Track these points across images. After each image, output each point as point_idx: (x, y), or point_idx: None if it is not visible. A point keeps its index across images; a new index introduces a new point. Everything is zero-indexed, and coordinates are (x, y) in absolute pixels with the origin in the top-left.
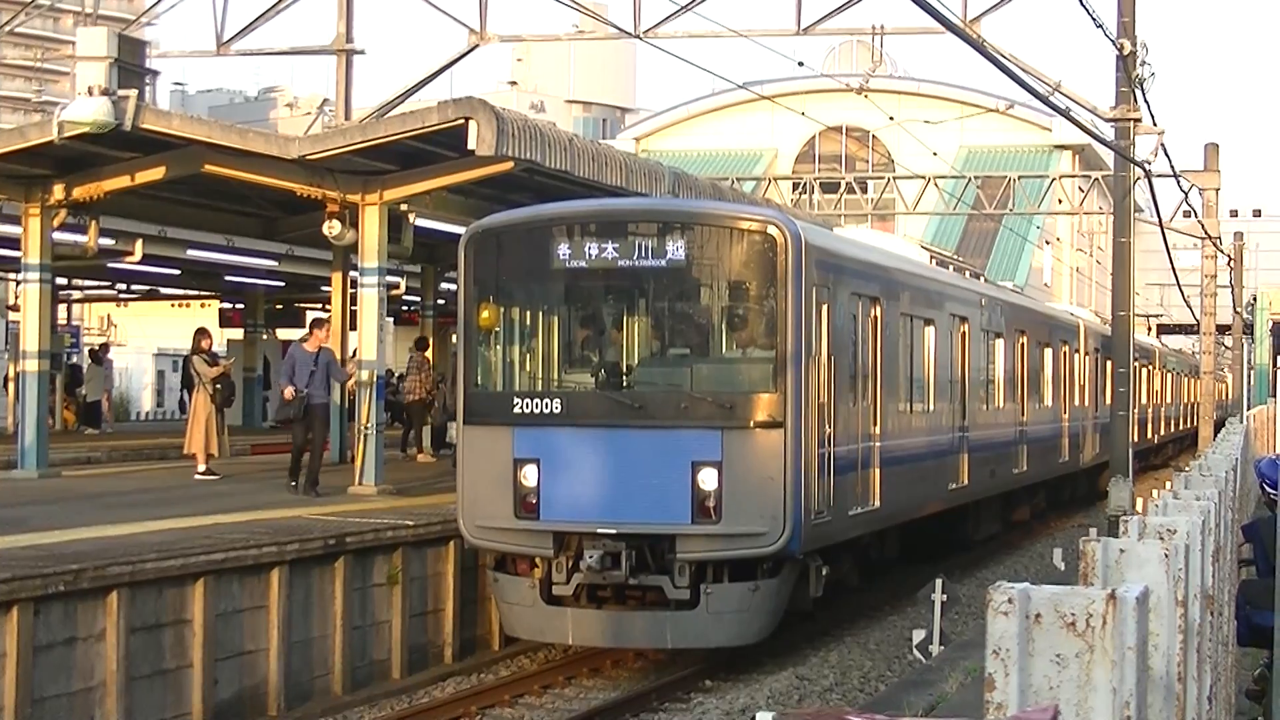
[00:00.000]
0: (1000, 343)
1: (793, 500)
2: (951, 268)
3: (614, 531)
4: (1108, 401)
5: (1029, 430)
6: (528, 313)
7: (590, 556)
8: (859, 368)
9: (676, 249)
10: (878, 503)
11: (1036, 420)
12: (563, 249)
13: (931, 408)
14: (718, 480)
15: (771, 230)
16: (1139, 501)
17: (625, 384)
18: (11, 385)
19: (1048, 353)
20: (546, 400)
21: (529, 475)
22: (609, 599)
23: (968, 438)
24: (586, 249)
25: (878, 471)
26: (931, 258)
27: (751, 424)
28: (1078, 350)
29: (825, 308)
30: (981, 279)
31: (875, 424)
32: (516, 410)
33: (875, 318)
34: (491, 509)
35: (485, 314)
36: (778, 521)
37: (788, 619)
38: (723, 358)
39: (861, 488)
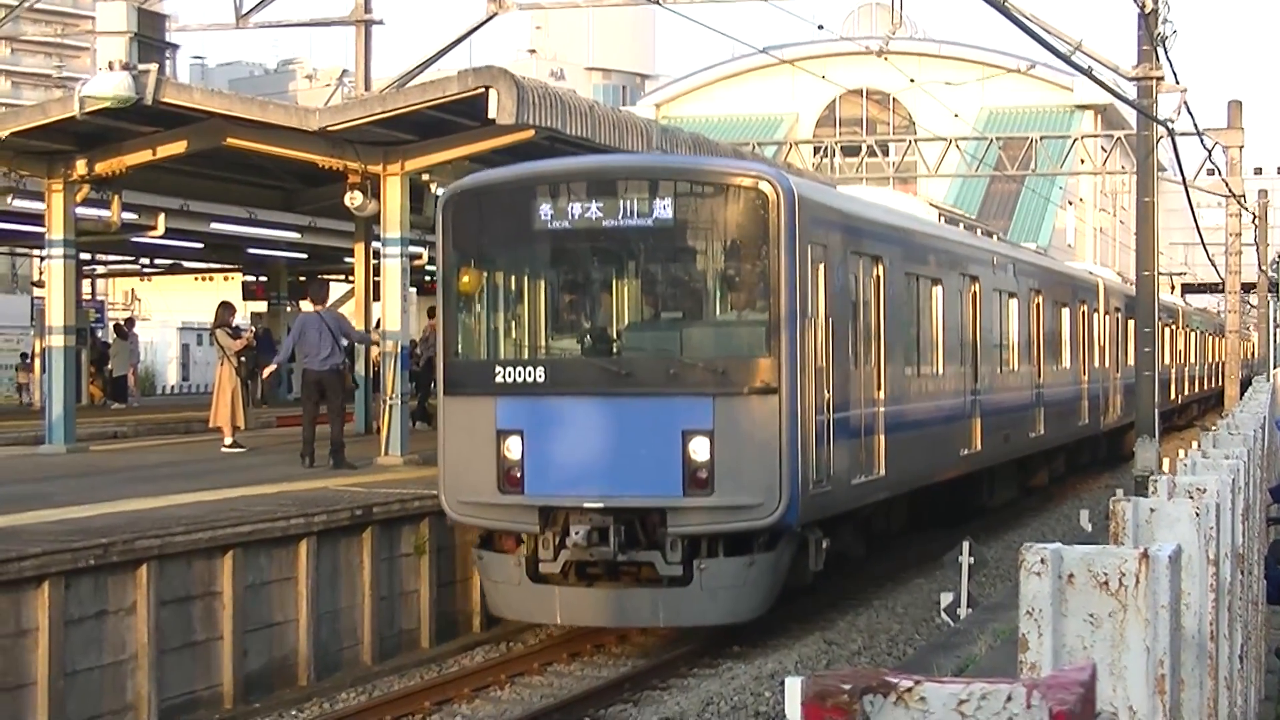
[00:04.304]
0: (1014, 303)
1: (789, 470)
2: (962, 225)
3: (602, 505)
4: (1129, 362)
5: (1046, 393)
6: (509, 277)
7: (577, 532)
8: (860, 330)
9: (664, 207)
10: (883, 470)
11: (1054, 382)
12: (545, 209)
13: (940, 371)
14: (710, 450)
15: (763, 185)
16: (1164, 461)
17: (612, 350)
18: (38, 361)
19: (1065, 313)
20: (530, 368)
21: (513, 447)
22: (600, 576)
23: (980, 401)
24: (570, 209)
25: (882, 438)
26: (941, 215)
27: (745, 390)
28: (1097, 310)
29: (822, 267)
30: (994, 237)
31: (879, 388)
32: (499, 379)
33: (878, 277)
34: (474, 483)
35: (465, 279)
36: (773, 492)
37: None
38: (713, 321)
39: (865, 455)
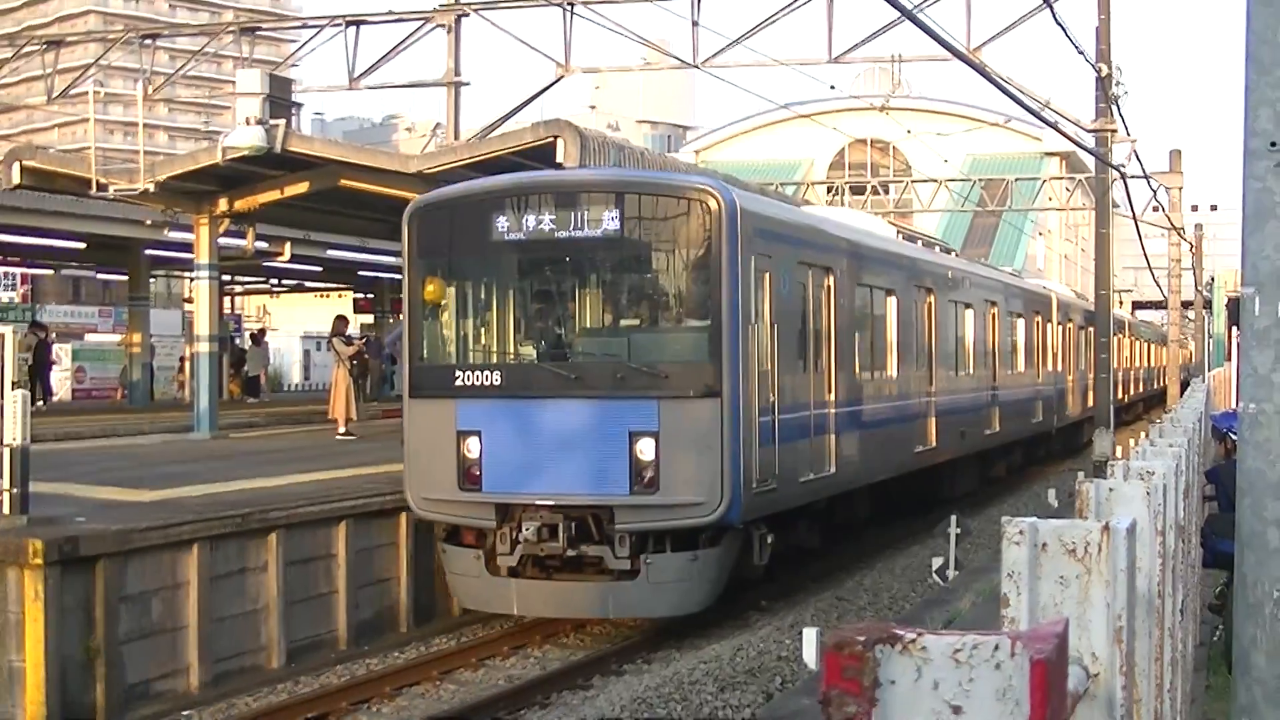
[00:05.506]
0: (969, 312)
1: (730, 469)
2: (920, 243)
3: (553, 503)
4: (1081, 366)
5: (1002, 394)
6: (468, 286)
7: (528, 528)
8: (809, 335)
9: (612, 219)
10: (833, 468)
11: (1010, 384)
12: (500, 222)
13: (894, 374)
14: (655, 450)
15: (706, 198)
16: (1118, 449)
17: (564, 356)
18: (188, 364)
19: (1020, 322)
20: (487, 373)
21: (472, 447)
22: (558, 569)
23: (935, 402)
24: (524, 221)
25: (833, 438)
26: (899, 233)
27: (688, 393)
28: (1051, 320)
29: (767, 276)
30: (952, 254)
31: (829, 391)
32: (459, 383)
33: (827, 287)
34: (437, 481)
35: (429, 288)
36: (715, 491)
37: (830, 542)
38: (659, 327)
39: (814, 454)
